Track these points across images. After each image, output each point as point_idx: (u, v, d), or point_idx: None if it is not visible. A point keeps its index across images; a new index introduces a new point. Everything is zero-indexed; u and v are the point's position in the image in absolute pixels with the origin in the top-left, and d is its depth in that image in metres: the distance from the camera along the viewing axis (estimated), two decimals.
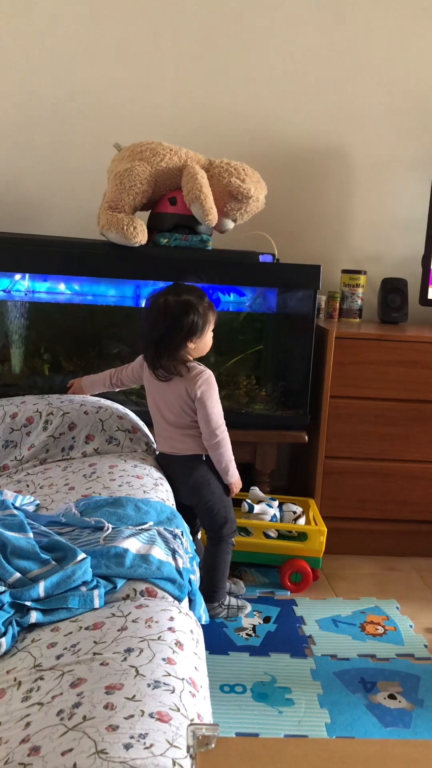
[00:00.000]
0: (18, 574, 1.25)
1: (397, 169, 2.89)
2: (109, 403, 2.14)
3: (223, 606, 2.09)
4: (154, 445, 2.10)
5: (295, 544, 2.32)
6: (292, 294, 2.57)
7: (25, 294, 2.55)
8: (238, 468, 2.05)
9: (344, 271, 2.81)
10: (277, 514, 2.38)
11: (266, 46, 2.75)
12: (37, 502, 1.65)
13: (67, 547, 1.32)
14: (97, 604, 1.21)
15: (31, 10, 2.64)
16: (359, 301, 2.80)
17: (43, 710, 0.92)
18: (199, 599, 1.40)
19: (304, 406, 2.48)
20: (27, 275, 2.52)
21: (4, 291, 2.52)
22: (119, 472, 1.82)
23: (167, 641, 1.08)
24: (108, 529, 1.43)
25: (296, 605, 2.22)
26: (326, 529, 2.31)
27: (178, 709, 0.91)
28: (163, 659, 1.02)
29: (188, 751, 0.80)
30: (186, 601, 1.32)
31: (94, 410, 2.06)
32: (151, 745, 0.82)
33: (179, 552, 1.42)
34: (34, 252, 2.29)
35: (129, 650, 1.04)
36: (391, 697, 1.77)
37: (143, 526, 1.47)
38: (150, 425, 2.10)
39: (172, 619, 1.16)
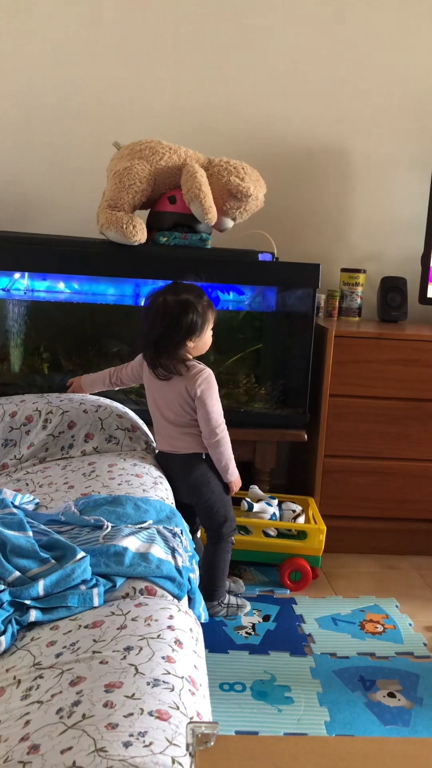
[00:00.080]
0: (17, 573, 1.25)
1: (396, 168, 2.89)
2: (108, 401, 2.14)
3: (222, 604, 2.09)
4: (154, 444, 2.10)
5: (295, 543, 2.32)
6: (292, 293, 2.57)
7: (25, 293, 2.55)
8: (237, 467, 2.05)
9: (343, 270, 2.81)
10: (277, 513, 2.38)
11: (266, 45, 2.75)
12: (37, 500, 1.66)
13: (66, 546, 1.32)
14: (96, 602, 1.21)
15: (31, 9, 2.64)
16: (359, 300, 2.80)
17: (42, 708, 0.93)
18: (199, 598, 1.40)
19: (304, 404, 2.48)
20: (26, 274, 2.52)
21: (3, 290, 2.52)
22: (118, 470, 1.82)
23: (167, 640, 1.08)
24: (107, 527, 1.43)
25: (296, 604, 2.22)
26: (326, 528, 2.31)
27: (178, 708, 0.91)
28: (163, 657, 1.02)
29: (187, 750, 0.80)
30: (185, 599, 1.32)
31: (93, 409, 2.06)
32: (151, 744, 0.82)
33: (179, 550, 1.42)
34: (34, 251, 2.29)
35: (128, 648, 1.04)
36: (391, 695, 1.78)
37: (142, 525, 1.47)
38: (149, 424, 2.10)
39: (171, 617, 1.16)
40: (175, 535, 1.48)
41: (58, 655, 1.06)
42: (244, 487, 2.30)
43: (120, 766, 0.78)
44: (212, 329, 1.98)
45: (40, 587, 1.21)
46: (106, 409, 2.07)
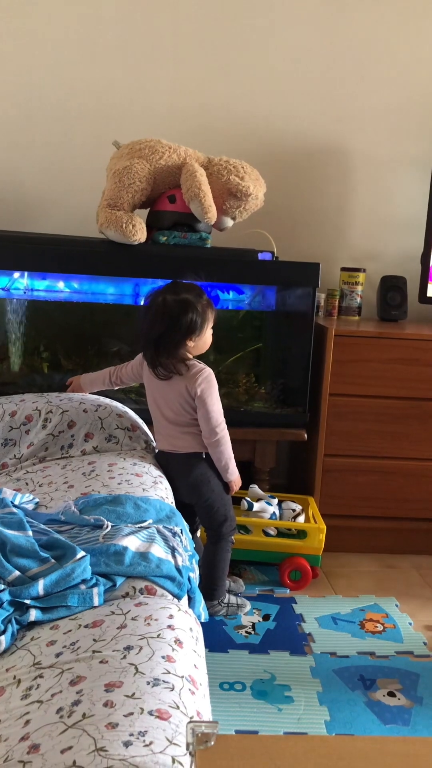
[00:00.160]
0: (17, 572, 1.25)
1: (396, 167, 2.88)
2: (108, 401, 2.14)
3: (222, 604, 2.09)
4: (154, 443, 2.10)
5: (295, 542, 2.32)
6: (292, 292, 2.57)
7: (24, 292, 2.55)
8: (237, 466, 2.05)
9: (343, 269, 2.81)
10: (277, 512, 2.38)
11: (265, 44, 2.75)
12: (37, 500, 1.65)
13: (66, 545, 1.32)
14: (96, 602, 1.21)
15: (31, 9, 2.63)
16: (358, 299, 2.80)
17: (42, 708, 0.93)
18: (199, 597, 1.40)
19: (304, 403, 2.48)
20: (26, 273, 2.52)
21: (3, 289, 2.52)
22: (118, 470, 1.82)
23: (167, 639, 1.08)
24: (107, 527, 1.43)
25: (295, 603, 2.22)
26: (325, 527, 2.31)
27: (178, 707, 0.91)
28: (163, 657, 1.02)
29: (188, 749, 0.80)
30: (185, 599, 1.32)
31: (93, 408, 2.06)
32: (151, 743, 0.82)
33: (178, 550, 1.42)
34: (33, 250, 2.29)
35: (128, 648, 1.04)
36: (391, 694, 1.78)
37: (142, 524, 1.47)
38: (149, 423, 2.10)
39: (171, 617, 1.16)
40: (174, 534, 1.48)
41: (58, 655, 1.06)
42: (244, 486, 2.30)
43: (120, 765, 0.78)
44: (212, 328, 1.98)
45: (40, 587, 1.21)
46: (105, 409, 2.07)
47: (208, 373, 1.95)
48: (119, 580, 1.27)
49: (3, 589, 1.19)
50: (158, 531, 1.46)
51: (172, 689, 0.95)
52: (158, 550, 1.36)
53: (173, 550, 1.40)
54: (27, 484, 1.82)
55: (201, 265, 2.19)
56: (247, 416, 2.48)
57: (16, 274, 2.51)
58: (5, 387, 2.38)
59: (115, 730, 0.84)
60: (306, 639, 2.02)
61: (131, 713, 0.88)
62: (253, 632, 2.03)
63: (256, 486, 2.47)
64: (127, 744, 0.82)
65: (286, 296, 2.62)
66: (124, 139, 2.40)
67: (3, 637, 1.12)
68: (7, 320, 2.55)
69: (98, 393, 2.21)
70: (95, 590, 1.22)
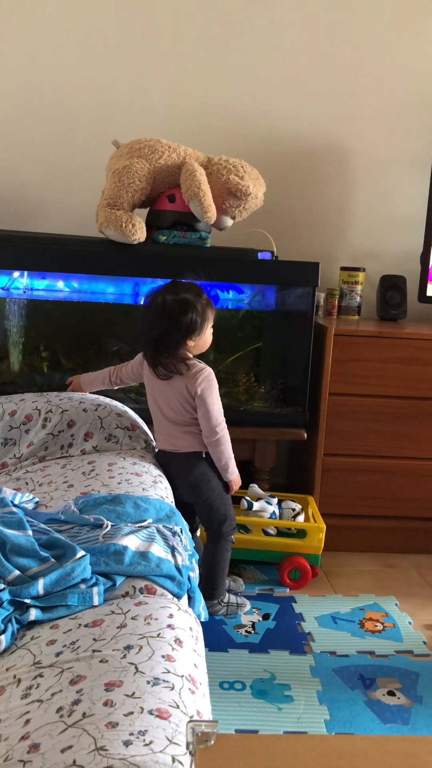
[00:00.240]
0: (17, 572, 1.25)
1: (395, 167, 2.88)
2: (108, 400, 2.14)
3: (222, 603, 2.09)
4: (153, 443, 2.10)
5: (294, 542, 2.32)
6: (291, 291, 2.57)
7: (24, 291, 2.55)
8: (237, 465, 2.05)
9: (343, 269, 2.81)
10: (276, 512, 2.38)
11: (265, 43, 2.75)
12: (36, 499, 1.66)
13: (66, 545, 1.32)
14: (96, 601, 1.21)
15: (31, 9, 2.63)
16: (358, 299, 2.80)
17: (42, 707, 0.93)
18: (199, 596, 1.40)
19: (303, 403, 2.48)
20: (26, 273, 2.52)
21: (2, 288, 2.52)
22: (118, 469, 1.82)
23: (166, 638, 1.08)
24: (107, 526, 1.43)
25: (295, 602, 2.22)
26: (325, 526, 2.31)
27: (178, 706, 0.91)
28: (163, 656, 1.02)
29: (188, 748, 0.80)
30: (185, 598, 1.33)
31: (93, 408, 2.06)
32: (151, 742, 0.82)
33: (178, 549, 1.42)
34: (33, 249, 2.29)
35: (128, 647, 1.04)
36: (390, 693, 1.78)
37: (142, 524, 1.47)
38: (149, 423, 2.10)
39: (171, 616, 1.16)
40: (174, 533, 1.48)
41: (58, 654, 1.06)
42: (244, 485, 2.30)
43: (120, 764, 0.78)
44: (212, 327, 1.98)
45: (40, 586, 1.21)
46: (105, 408, 2.07)
47: (209, 372, 1.95)
48: (119, 580, 1.27)
49: (3, 589, 1.19)
50: (158, 530, 1.46)
51: (172, 688, 0.95)
52: (158, 550, 1.36)
53: (173, 549, 1.41)
54: (27, 483, 1.82)
55: (201, 265, 2.19)
56: (246, 415, 2.48)
57: (16, 274, 2.51)
58: (5, 386, 2.38)
59: (115, 730, 0.84)
60: (306, 638, 2.02)
61: (131, 712, 0.88)
62: (252, 631, 2.03)
63: (256, 485, 2.47)
64: (127, 743, 0.82)
65: (286, 296, 2.62)
66: (124, 139, 2.40)
67: (3, 636, 1.12)
68: (6, 320, 2.55)
69: (98, 393, 2.21)
70: (95, 590, 1.22)
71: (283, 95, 2.79)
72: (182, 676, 0.99)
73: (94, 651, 1.04)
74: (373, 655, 1.96)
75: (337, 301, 2.80)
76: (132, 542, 1.36)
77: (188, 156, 2.34)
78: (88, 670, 0.99)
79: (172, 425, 2.00)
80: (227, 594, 2.12)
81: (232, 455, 2.02)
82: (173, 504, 1.71)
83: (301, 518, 2.37)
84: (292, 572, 2.30)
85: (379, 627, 2.11)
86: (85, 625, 1.13)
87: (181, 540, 1.48)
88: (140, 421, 2.13)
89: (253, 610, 2.15)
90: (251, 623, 2.08)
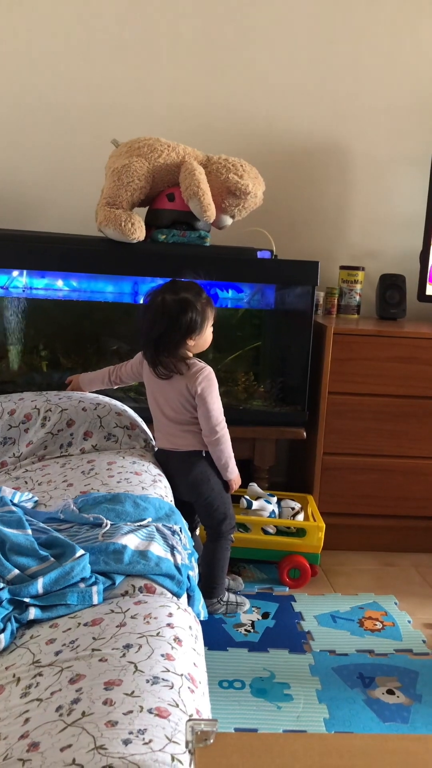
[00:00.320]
0: (16, 571, 1.25)
1: (395, 166, 2.88)
2: (107, 399, 2.14)
3: (221, 602, 2.09)
4: (153, 442, 2.10)
5: (294, 540, 2.32)
6: (291, 290, 2.57)
7: (23, 290, 2.55)
8: (237, 464, 2.05)
9: (342, 268, 2.81)
10: (276, 510, 2.38)
11: (264, 43, 2.74)
12: (36, 498, 1.66)
13: (65, 544, 1.32)
14: (95, 600, 1.21)
15: (30, 9, 2.63)
16: (357, 298, 2.80)
17: (42, 706, 0.93)
18: (198, 595, 1.40)
19: (303, 402, 2.48)
20: (25, 272, 2.52)
21: (2, 288, 2.52)
22: (118, 468, 1.82)
23: (166, 637, 1.08)
24: (106, 525, 1.43)
25: (295, 601, 2.22)
26: (324, 525, 2.31)
27: (177, 705, 0.91)
28: (162, 655, 1.02)
29: (187, 747, 0.80)
30: (185, 597, 1.33)
31: (92, 407, 2.06)
32: (150, 741, 0.83)
33: (178, 548, 1.42)
34: (32, 248, 2.29)
35: (128, 646, 1.04)
36: (390, 692, 1.78)
37: (142, 523, 1.47)
38: (148, 422, 2.10)
39: (170, 615, 1.16)
40: (174, 532, 1.48)
41: (57, 653, 1.06)
42: (243, 484, 2.30)
43: (119, 763, 0.79)
44: (212, 325, 1.98)
45: (40, 585, 1.21)
46: (105, 407, 2.07)
47: (209, 372, 1.95)
48: (118, 579, 1.27)
49: (2, 588, 1.19)
50: (157, 529, 1.46)
51: (172, 687, 0.95)
52: (157, 549, 1.36)
53: (172, 548, 1.41)
54: (26, 482, 1.82)
55: (200, 264, 2.18)
56: (246, 414, 2.48)
57: (15, 273, 2.51)
58: (4, 385, 2.38)
59: (115, 728, 0.84)
60: (305, 637, 2.02)
61: (131, 711, 0.88)
62: (252, 630, 2.03)
63: (256, 484, 2.47)
64: (126, 742, 0.82)
65: (286, 295, 2.62)
66: (123, 138, 2.40)
67: (2, 635, 1.12)
68: (6, 319, 2.55)
69: (98, 392, 2.21)
70: (94, 588, 1.22)
71: (282, 94, 2.79)
72: (181, 675, 0.99)
73: (93, 650, 1.04)
74: (372, 653, 1.96)
75: (336, 300, 2.80)
76: (131, 541, 1.36)
77: (187, 155, 2.33)
78: (88, 669, 0.99)
79: (172, 424, 2.00)
80: (227, 593, 2.12)
81: (232, 454, 2.02)
82: (173, 503, 1.71)
83: (300, 517, 2.37)
84: (292, 571, 2.30)
85: (379, 626, 2.11)
86: (85, 624, 1.13)
87: (180, 539, 1.48)
88: (139, 420, 2.13)
89: (253, 608, 2.15)
90: (251, 622, 2.08)
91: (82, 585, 1.23)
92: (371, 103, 2.83)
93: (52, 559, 1.28)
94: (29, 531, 1.36)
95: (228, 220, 2.44)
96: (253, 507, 2.36)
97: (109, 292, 2.61)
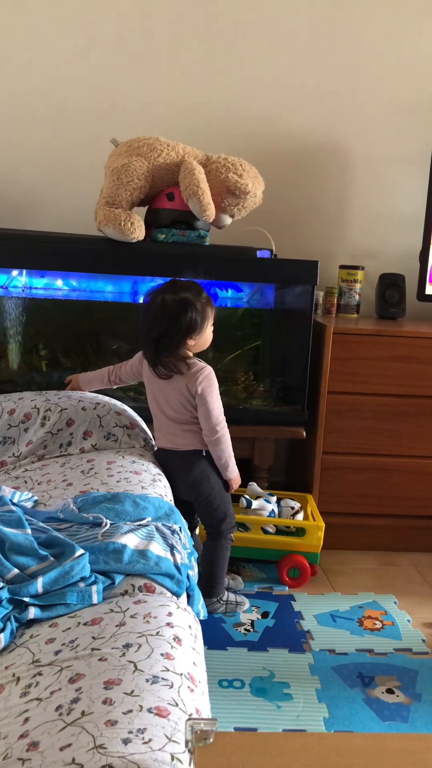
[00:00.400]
0: (16, 570, 1.25)
1: (394, 165, 2.88)
2: (107, 399, 2.14)
3: (221, 601, 2.09)
4: (153, 441, 2.10)
5: (293, 540, 2.32)
6: (290, 290, 2.57)
7: (23, 290, 2.55)
8: (236, 464, 2.05)
9: (342, 267, 2.81)
10: (275, 510, 2.38)
11: (263, 42, 2.74)
12: (35, 498, 1.66)
13: (65, 543, 1.32)
14: (95, 599, 1.21)
15: (29, 8, 2.63)
16: (357, 297, 2.80)
17: (41, 705, 0.93)
18: (198, 595, 1.40)
19: (302, 401, 2.49)
20: (24, 271, 2.52)
21: (1, 287, 2.52)
22: (117, 468, 1.82)
23: (165, 636, 1.08)
24: (106, 524, 1.43)
25: (294, 600, 2.22)
26: (324, 525, 2.31)
27: (177, 704, 0.91)
28: (162, 654, 1.02)
29: (187, 746, 0.80)
30: (184, 596, 1.33)
31: (92, 406, 2.06)
32: (150, 740, 0.83)
33: (177, 548, 1.42)
34: (32, 248, 2.29)
35: (127, 646, 1.04)
36: (389, 691, 1.78)
37: (141, 522, 1.47)
38: (148, 421, 2.10)
39: (170, 614, 1.16)
40: (173, 532, 1.48)
41: (57, 653, 1.06)
42: (243, 484, 2.30)
43: (119, 762, 0.79)
44: (212, 325, 1.98)
45: (39, 584, 1.21)
46: (104, 407, 2.07)
47: (209, 371, 1.95)
48: (118, 578, 1.27)
49: (2, 587, 1.19)
50: (157, 529, 1.46)
51: (171, 686, 0.95)
52: (157, 548, 1.36)
53: (172, 547, 1.41)
54: (26, 482, 1.82)
55: (199, 263, 2.18)
56: (246, 414, 2.48)
57: (15, 272, 2.51)
58: (4, 385, 2.38)
59: (114, 728, 0.85)
60: (305, 636, 2.02)
61: (130, 711, 0.88)
62: (251, 630, 2.03)
63: (255, 483, 2.47)
64: (126, 741, 0.82)
65: (285, 294, 2.62)
66: (123, 137, 2.40)
67: (2, 634, 1.12)
68: (5, 318, 2.55)
69: (97, 391, 2.21)
70: (94, 588, 1.22)
71: (281, 93, 2.79)
72: (181, 674, 0.99)
73: (93, 649, 1.04)
74: (372, 653, 1.96)
75: (336, 300, 2.80)
76: (131, 540, 1.36)
77: (187, 154, 2.33)
78: (87, 669, 0.99)
79: (172, 423, 2.00)
80: (226, 592, 2.12)
81: (232, 454, 2.02)
82: (172, 502, 1.71)
83: (300, 516, 2.38)
84: (291, 570, 2.30)
85: (378, 625, 2.11)
86: (84, 624, 1.13)
87: (180, 538, 1.48)
88: (139, 419, 2.13)
89: (252, 608, 2.15)
90: (250, 621, 2.08)
91: (81, 584, 1.23)
92: (371, 102, 2.83)
93: (51, 558, 1.29)
94: (29, 530, 1.36)
95: (227, 220, 2.44)
96: (253, 506, 2.36)
97: (109, 291, 2.61)
